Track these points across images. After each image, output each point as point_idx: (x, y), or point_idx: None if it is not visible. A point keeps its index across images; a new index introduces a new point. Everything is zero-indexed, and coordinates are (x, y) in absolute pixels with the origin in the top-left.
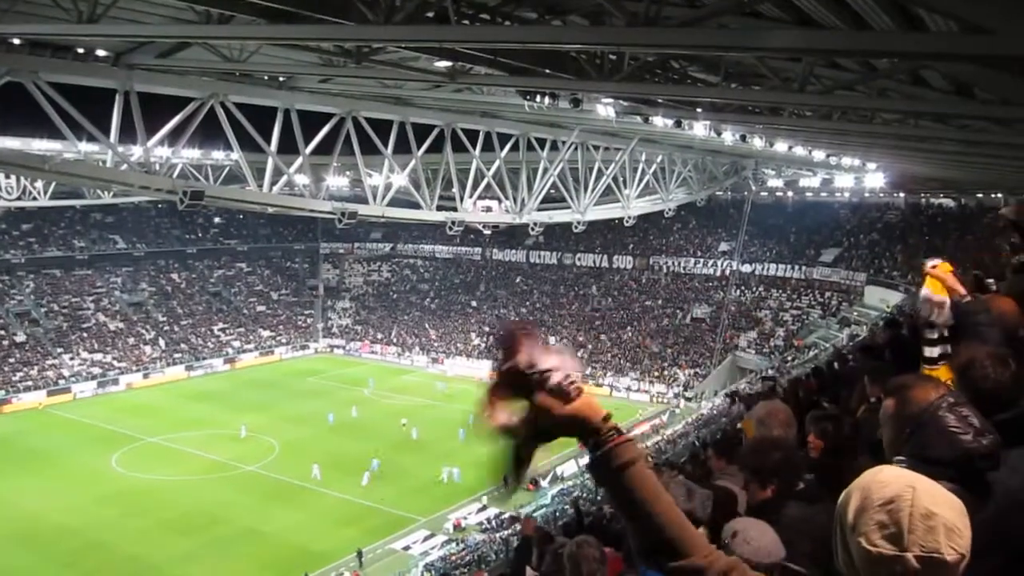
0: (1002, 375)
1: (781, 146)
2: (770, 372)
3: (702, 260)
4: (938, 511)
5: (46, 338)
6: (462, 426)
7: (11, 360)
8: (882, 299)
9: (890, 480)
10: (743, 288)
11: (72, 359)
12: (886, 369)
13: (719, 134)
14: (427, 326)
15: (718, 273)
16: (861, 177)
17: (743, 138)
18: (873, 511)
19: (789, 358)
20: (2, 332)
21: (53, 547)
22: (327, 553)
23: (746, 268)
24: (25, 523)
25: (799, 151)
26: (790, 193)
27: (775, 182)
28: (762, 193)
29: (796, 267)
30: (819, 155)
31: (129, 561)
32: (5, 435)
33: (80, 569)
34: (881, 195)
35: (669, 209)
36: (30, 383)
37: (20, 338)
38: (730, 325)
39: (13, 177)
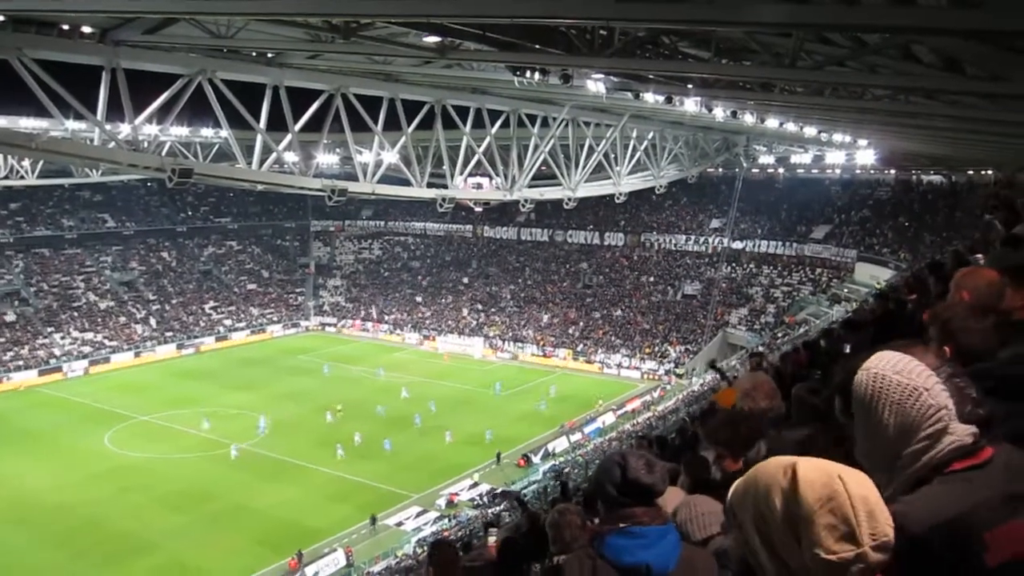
0: (981, 326)
1: (772, 122)
2: (760, 348)
3: (693, 237)
4: (866, 492)
5: (36, 317)
6: (419, 412)
7: (1, 340)
8: (872, 276)
9: (808, 475)
10: (734, 265)
11: (63, 338)
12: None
13: (710, 110)
14: (419, 303)
15: (709, 250)
16: (852, 154)
17: (734, 114)
18: (818, 515)
19: (779, 334)
20: None
21: (46, 526)
22: (320, 529)
23: (737, 245)
24: (18, 502)
25: (790, 127)
26: (781, 170)
27: (766, 159)
28: (753, 170)
29: (787, 244)
30: (810, 131)
31: (122, 538)
32: None
33: (74, 547)
34: (872, 172)
35: (660, 186)
36: (21, 363)
37: (10, 318)
38: (721, 302)
39: (0, 156)
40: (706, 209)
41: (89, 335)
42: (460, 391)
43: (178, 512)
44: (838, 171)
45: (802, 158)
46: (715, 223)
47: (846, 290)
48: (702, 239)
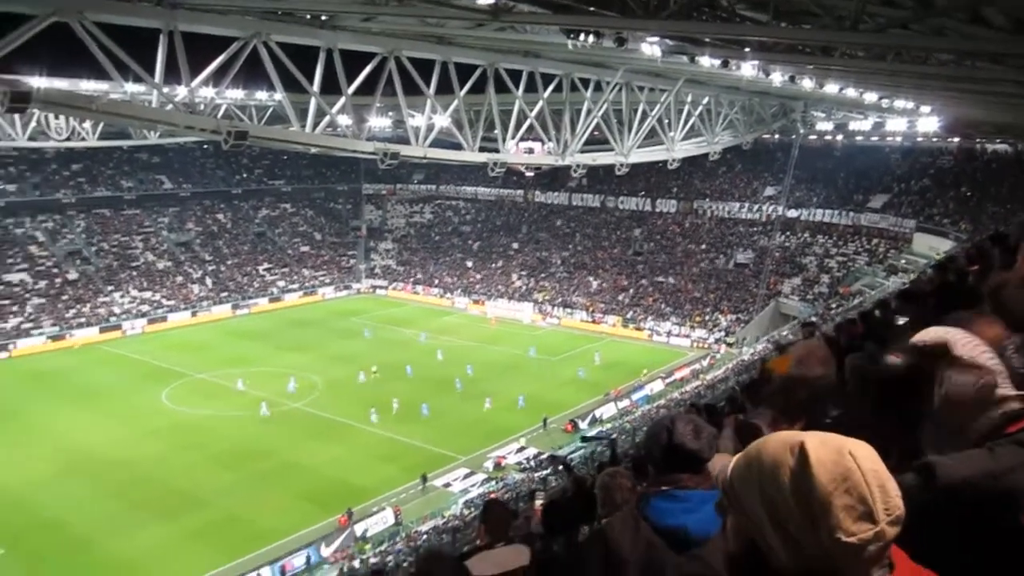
0: None
1: (831, 87)
2: (812, 319)
3: (747, 204)
4: (876, 465)
5: (97, 276)
6: (460, 376)
7: (64, 297)
8: (932, 247)
9: (819, 453)
10: (788, 233)
11: (122, 297)
12: (930, 315)
13: (768, 75)
14: (469, 268)
15: (763, 218)
16: (914, 121)
17: (792, 79)
18: (834, 497)
19: (833, 305)
20: (55, 270)
21: (106, 478)
22: (368, 488)
23: (792, 213)
24: (80, 455)
25: (850, 93)
26: (839, 136)
27: (824, 125)
28: (810, 136)
29: (843, 213)
30: (871, 97)
31: (177, 492)
32: (60, 370)
33: (129, 500)
34: (934, 140)
35: (714, 152)
36: (83, 320)
37: (72, 276)
38: (774, 271)
39: (62, 118)
40: (761, 176)
41: (147, 294)
42: (507, 356)
43: (231, 468)
44: (898, 139)
45: (861, 125)
46: (770, 191)
47: (903, 261)
48: (756, 207)
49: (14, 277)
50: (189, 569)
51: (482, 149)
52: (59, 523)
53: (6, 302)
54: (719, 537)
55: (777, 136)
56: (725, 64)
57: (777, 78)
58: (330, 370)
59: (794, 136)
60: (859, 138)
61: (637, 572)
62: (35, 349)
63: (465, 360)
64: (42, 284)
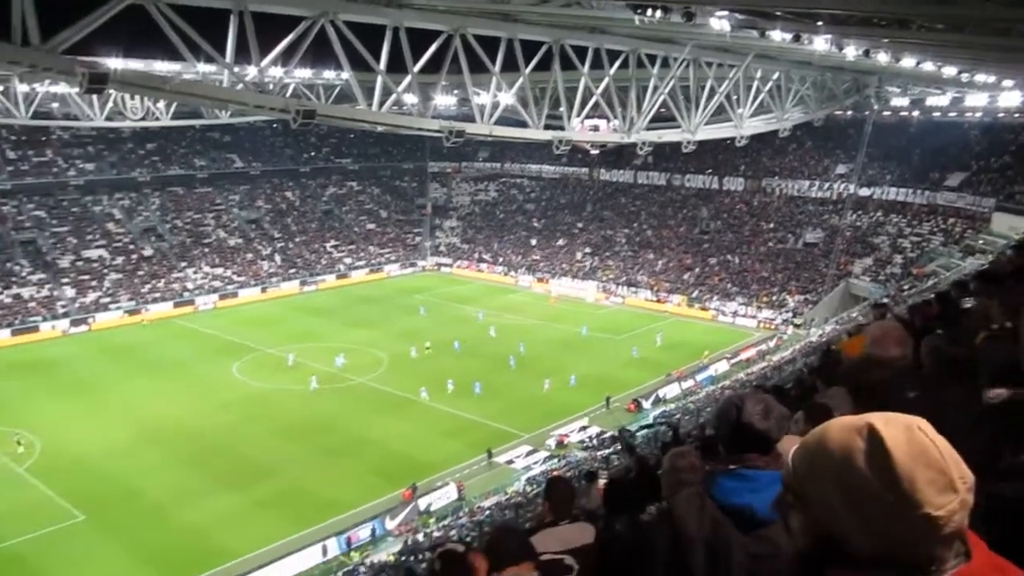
0: None
1: (908, 62)
2: (883, 300)
3: (817, 182)
4: (939, 437)
5: (171, 252)
6: (514, 354)
7: (140, 273)
8: (1011, 227)
9: (891, 432)
10: (860, 212)
11: (195, 273)
12: (1014, 295)
13: (841, 49)
14: (533, 246)
15: (834, 196)
16: (995, 96)
17: (867, 53)
18: (917, 472)
19: (906, 286)
20: (132, 247)
21: (179, 447)
22: (432, 463)
23: (864, 191)
24: (154, 425)
25: (928, 67)
26: (915, 112)
27: (900, 101)
28: (885, 112)
29: (918, 191)
30: (950, 71)
31: (247, 462)
32: (137, 343)
33: (202, 469)
34: (1016, 116)
35: (784, 129)
36: (158, 295)
37: (148, 252)
38: (844, 251)
39: (138, 98)
40: (832, 154)
41: (219, 270)
42: (566, 334)
43: (299, 440)
44: (978, 114)
45: (939, 100)
46: (841, 168)
47: (981, 241)
48: (826, 185)
49: (93, 253)
50: (258, 538)
51: (547, 127)
52: (135, 490)
53: (86, 277)
54: None
55: (850, 112)
56: (796, 38)
57: (851, 52)
58: (395, 346)
59: (867, 112)
60: (936, 114)
61: (703, 550)
62: (113, 323)
63: (522, 338)
64: (119, 260)
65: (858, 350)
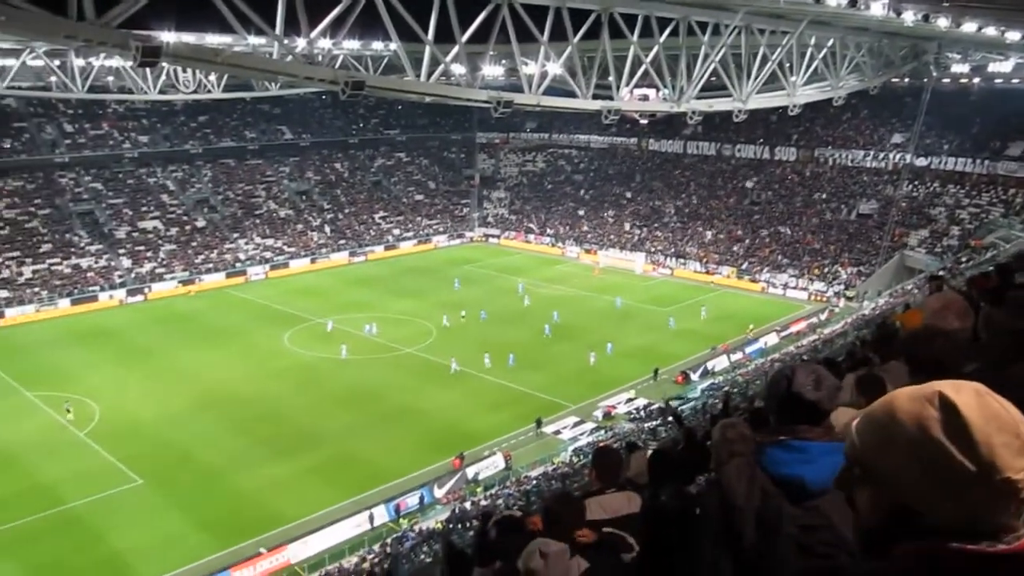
0: None
1: (969, 26)
2: (940, 272)
3: (872, 152)
4: (1006, 401)
5: (223, 224)
6: (547, 323)
7: (193, 244)
8: None
9: (963, 398)
10: (916, 183)
11: (246, 244)
12: None
13: (899, 14)
14: (580, 217)
15: (889, 166)
16: None
17: (926, 18)
18: (993, 437)
19: (963, 259)
20: (185, 218)
21: (232, 414)
22: (478, 432)
23: (921, 161)
24: (209, 392)
25: (990, 32)
26: (976, 80)
27: (960, 67)
28: (944, 80)
29: (978, 161)
30: (1013, 36)
31: (297, 430)
32: (191, 313)
33: (255, 436)
34: None
35: (838, 97)
36: (210, 265)
37: (201, 224)
38: (899, 222)
39: (190, 71)
40: (888, 123)
41: (269, 241)
42: (615, 305)
43: (348, 409)
44: None
45: (1001, 67)
46: (897, 138)
47: None
48: (882, 155)
49: (148, 224)
50: (309, 504)
51: (596, 96)
52: (190, 456)
53: (141, 248)
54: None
55: (907, 80)
56: (853, 3)
57: (909, 17)
58: (443, 317)
59: (926, 79)
60: (998, 81)
61: (752, 521)
62: (168, 293)
63: (564, 309)
64: (173, 231)
65: (917, 322)
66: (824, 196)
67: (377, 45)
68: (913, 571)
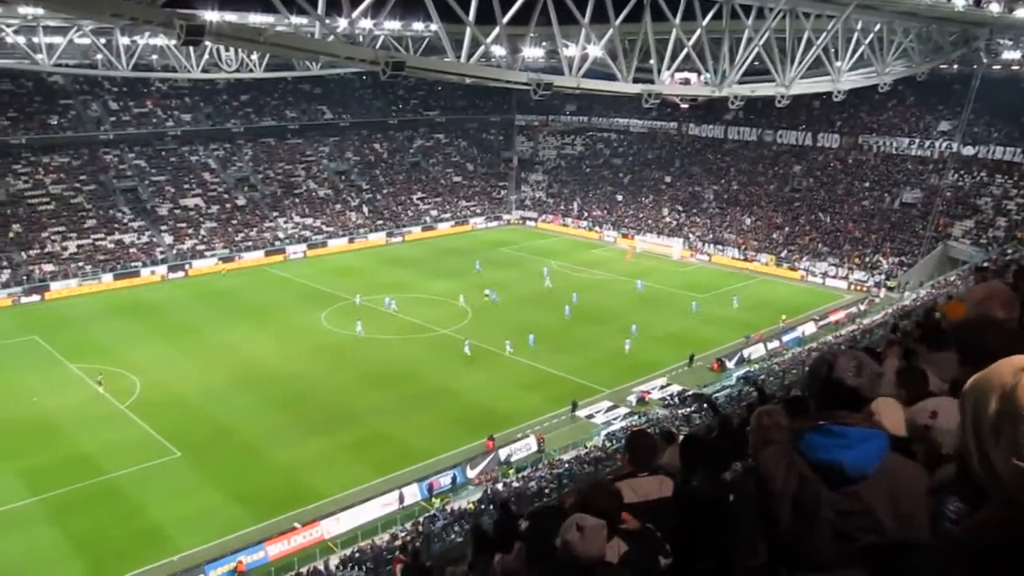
0: None
1: (1022, 12)
2: (984, 263)
3: (917, 140)
4: None
5: (263, 202)
6: (567, 304)
7: (233, 222)
8: None
9: None
10: (962, 172)
11: (286, 223)
12: None
13: None
14: (619, 201)
15: (935, 155)
16: None
17: (977, 3)
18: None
19: (1009, 251)
20: (226, 196)
21: (270, 391)
22: (511, 414)
23: (968, 150)
24: (248, 368)
25: None
26: None
27: (1011, 54)
28: (994, 67)
29: None
30: None
31: (333, 408)
32: (231, 290)
33: (291, 412)
34: None
35: (884, 83)
36: (250, 243)
37: (241, 202)
38: (944, 212)
39: (232, 50)
40: (934, 110)
41: (308, 220)
42: (650, 290)
43: (383, 388)
44: None
45: None
46: (944, 125)
47: None
48: (927, 143)
49: (190, 202)
50: (343, 481)
51: (636, 80)
52: (228, 430)
53: (183, 225)
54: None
55: (955, 66)
56: None
57: (960, 2)
58: (479, 299)
59: (975, 66)
60: None
61: (789, 506)
62: (208, 269)
63: (593, 292)
64: (214, 209)
65: (959, 313)
66: (867, 184)
67: (418, 26)
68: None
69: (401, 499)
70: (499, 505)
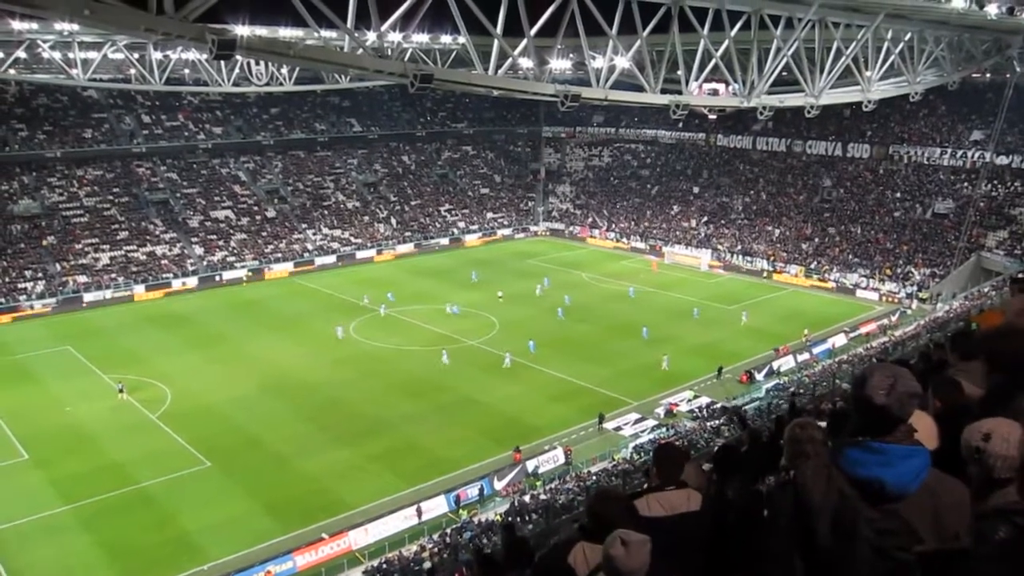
0: None
1: None
2: (1020, 275)
3: (949, 150)
4: None
5: (292, 214)
6: (560, 306)
7: (263, 234)
8: None
9: None
10: (996, 182)
11: (315, 234)
12: None
13: (982, 7)
14: (646, 212)
15: (967, 165)
16: None
17: (1010, 11)
18: None
19: None
20: (255, 208)
21: (298, 400)
22: (539, 426)
23: (1001, 160)
24: (278, 377)
25: None
26: None
27: None
28: None
29: None
30: None
31: (361, 418)
32: (260, 300)
33: (320, 422)
34: None
35: (915, 93)
36: (279, 255)
37: (271, 214)
38: (977, 223)
39: (262, 64)
40: (967, 119)
41: (337, 232)
42: (679, 302)
43: (411, 399)
44: None
45: None
46: (977, 135)
47: None
48: (960, 152)
49: (220, 214)
50: (371, 491)
51: (664, 91)
52: (258, 440)
53: (213, 236)
54: (920, 494)
55: (988, 75)
56: None
57: (992, 10)
58: (506, 310)
59: (1008, 75)
60: None
61: (827, 521)
62: (238, 280)
63: (623, 304)
64: (244, 220)
65: (996, 324)
66: (898, 194)
67: (446, 39)
68: None
69: (419, 513)
70: (502, 527)
